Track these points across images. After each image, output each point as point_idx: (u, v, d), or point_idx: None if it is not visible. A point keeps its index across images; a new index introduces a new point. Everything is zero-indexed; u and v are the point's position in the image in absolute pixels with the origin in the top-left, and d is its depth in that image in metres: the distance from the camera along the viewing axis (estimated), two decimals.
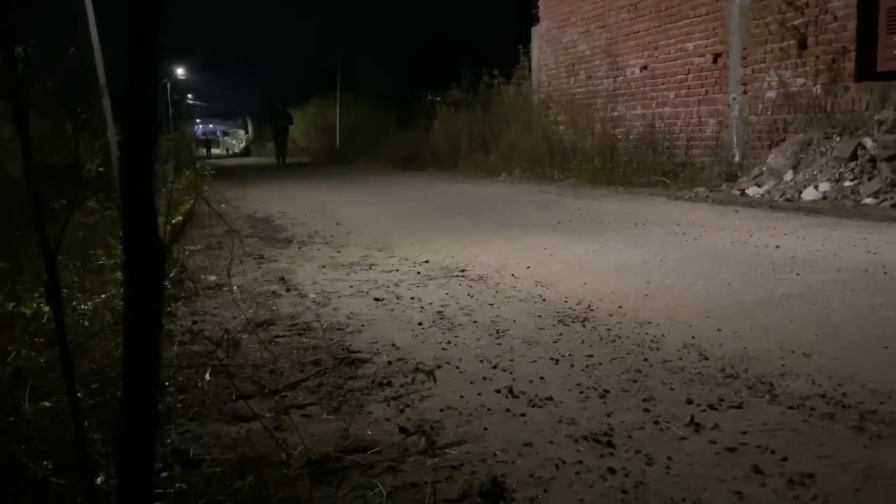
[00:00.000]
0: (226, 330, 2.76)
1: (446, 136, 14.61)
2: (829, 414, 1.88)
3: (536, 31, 13.30)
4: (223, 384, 2.17)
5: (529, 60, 13.45)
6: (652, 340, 2.58)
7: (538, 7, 13.17)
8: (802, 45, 7.69)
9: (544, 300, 3.28)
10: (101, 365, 2.37)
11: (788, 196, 6.75)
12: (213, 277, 3.85)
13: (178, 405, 2.02)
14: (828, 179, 6.57)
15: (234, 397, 2.06)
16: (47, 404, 1.86)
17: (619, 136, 10.59)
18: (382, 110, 20.91)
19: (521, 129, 12.46)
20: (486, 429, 1.87)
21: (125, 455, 0.51)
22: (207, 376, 2.22)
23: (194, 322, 3.01)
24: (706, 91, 9.15)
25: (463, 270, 4.04)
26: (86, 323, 2.85)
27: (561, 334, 2.72)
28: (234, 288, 3.63)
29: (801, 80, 7.73)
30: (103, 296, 3.14)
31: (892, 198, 5.91)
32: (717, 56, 8.92)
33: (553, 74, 12.74)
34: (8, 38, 1.15)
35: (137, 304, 0.49)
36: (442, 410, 2.00)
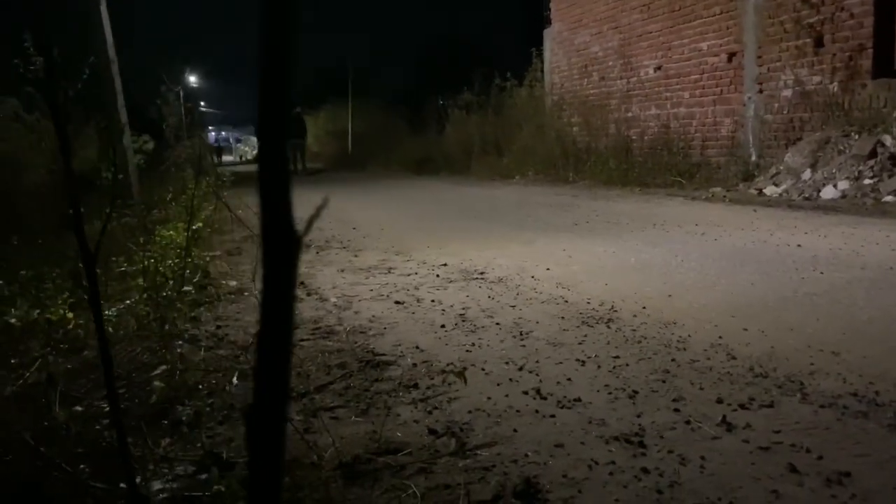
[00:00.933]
0: (254, 335, 2.76)
1: (459, 140, 14.62)
2: (863, 412, 1.86)
3: (548, 33, 13.29)
4: (251, 387, 2.17)
5: (542, 62, 13.45)
6: (678, 340, 2.57)
7: (550, 9, 13.16)
8: (818, 42, 7.64)
9: (566, 301, 3.27)
10: (127, 370, 2.38)
11: (807, 195, 6.70)
12: (234, 282, 3.86)
13: (208, 408, 2.02)
14: (847, 178, 6.52)
15: None
16: (79, 409, 1.87)
17: (634, 137, 10.56)
18: (394, 114, 20.92)
19: (534, 132, 12.45)
20: (515, 430, 1.87)
21: (257, 444, 0.52)
22: (235, 380, 2.23)
23: (218, 327, 3.02)
24: (721, 91, 9.10)
25: (482, 273, 4.03)
26: (110, 329, 2.87)
27: (585, 335, 2.71)
28: (256, 292, 3.64)
29: (817, 79, 7.68)
30: (127, 302, 3.16)
31: None
32: (731, 55, 8.88)
33: (566, 76, 12.72)
34: (47, 46, 1.16)
35: (274, 291, 0.50)
36: (470, 412, 2.00)
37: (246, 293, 3.62)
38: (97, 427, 1.77)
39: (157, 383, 2.17)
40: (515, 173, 11.85)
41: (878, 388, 2.02)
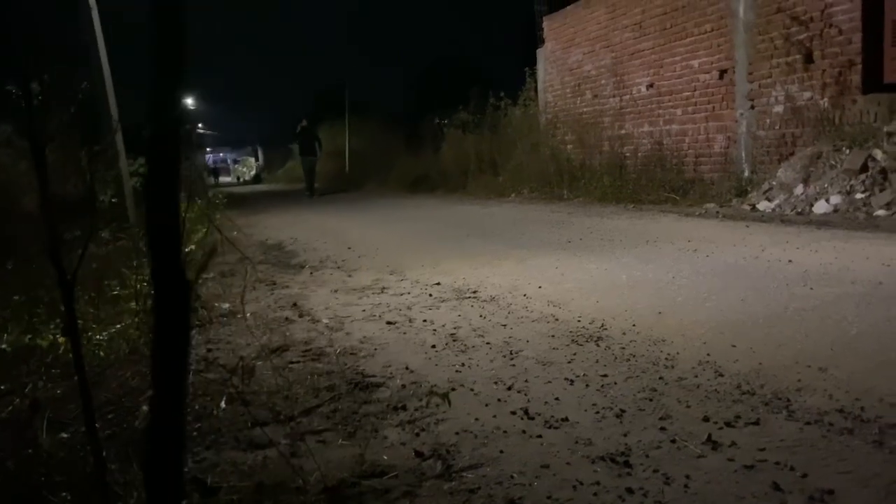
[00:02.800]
0: (241, 357, 2.77)
1: (454, 158, 14.67)
2: (848, 429, 1.86)
3: (542, 53, 13.39)
4: (239, 411, 2.18)
5: (535, 81, 13.53)
6: (667, 358, 2.57)
7: (543, 29, 13.27)
8: (808, 58, 7.70)
9: (557, 320, 3.28)
10: (117, 395, 2.38)
11: (799, 210, 6.73)
12: (226, 305, 3.87)
13: (195, 433, 2.02)
14: (839, 192, 6.55)
15: (249, 424, 2.07)
16: (65, 435, 1.87)
17: (628, 154, 10.60)
18: (391, 134, 20.98)
19: (529, 150, 12.49)
20: (502, 451, 1.87)
21: (154, 484, 0.52)
22: (223, 404, 2.23)
23: (209, 350, 3.02)
24: (713, 107, 9.16)
25: (475, 292, 4.04)
26: (101, 353, 2.87)
27: (575, 354, 2.71)
28: (248, 315, 3.65)
29: (808, 94, 7.73)
30: (118, 326, 3.16)
31: None
32: (723, 72, 8.95)
33: (559, 95, 12.80)
34: (24, 74, 1.18)
35: (165, 334, 0.51)
36: (457, 433, 2.00)
37: (238, 315, 3.62)
38: (82, 454, 1.77)
39: (145, 408, 2.17)
40: (511, 191, 11.89)
41: (863, 404, 2.02)
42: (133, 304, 3.41)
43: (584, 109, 11.96)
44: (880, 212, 6.01)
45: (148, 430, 0.51)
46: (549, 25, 13.07)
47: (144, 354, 2.74)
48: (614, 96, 11.16)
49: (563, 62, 12.61)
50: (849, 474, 1.62)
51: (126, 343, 2.93)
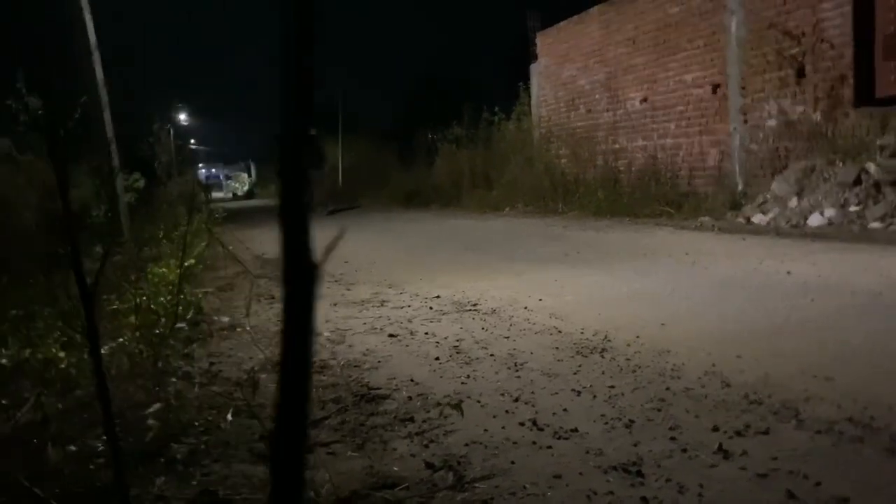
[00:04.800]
0: (251, 369, 2.75)
1: (448, 173, 14.72)
2: (859, 437, 1.86)
3: (535, 68, 13.48)
4: (245, 424, 2.16)
5: (529, 96, 13.61)
6: (672, 369, 2.58)
7: (536, 44, 13.36)
8: (800, 73, 7.77)
9: (560, 332, 3.27)
10: (120, 408, 2.36)
11: (794, 222, 6.77)
12: (226, 318, 3.85)
13: (203, 446, 2.01)
14: (833, 205, 6.60)
15: (258, 437, 2.05)
16: (73, 448, 1.85)
17: (622, 169, 10.66)
18: (384, 149, 21.00)
19: (523, 164, 12.55)
20: (513, 462, 1.86)
21: (279, 463, 0.53)
22: (230, 416, 2.22)
23: (211, 363, 3.01)
24: (707, 121, 9.23)
25: (475, 304, 4.04)
26: (102, 368, 2.85)
27: (580, 366, 2.71)
28: (248, 328, 3.63)
29: (800, 108, 7.80)
30: (119, 340, 3.14)
31: None
32: (716, 87, 9.02)
33: (553, 109, 12.87)
34: (47, 88, 1.18)
35: (295, 318, 0.52)
36: (467, 445, 1.99)
37: (239, 329, 3.60)
38: (91, 467, 1.75)
39: (151, 421, 2.16)
40: (505, 205, 11.92)
41: (872, 412, 2.02)
42: (133, 318, 3.39)
43: (578, 124, 12.02)
44: (875, 224, 6.05)
45: (275, 424, 0.52)
46: (543, 41, 13.17)
47: (146, 368, 2.72)
48: (608, 111, 11.23)
49: (557, 77, 12.69)
50: (862, 482, 1.62)
51: (127, 357, 2.91)
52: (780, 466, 1.72)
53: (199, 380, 2.67)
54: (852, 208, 6.41)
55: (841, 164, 6.93)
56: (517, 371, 2.70)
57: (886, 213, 6.08)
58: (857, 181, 6.58)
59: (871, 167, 6.54)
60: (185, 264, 4.32)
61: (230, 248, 6.95)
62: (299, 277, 0.50)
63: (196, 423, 2.17)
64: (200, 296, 4.30)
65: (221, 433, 2.12)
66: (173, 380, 2.60)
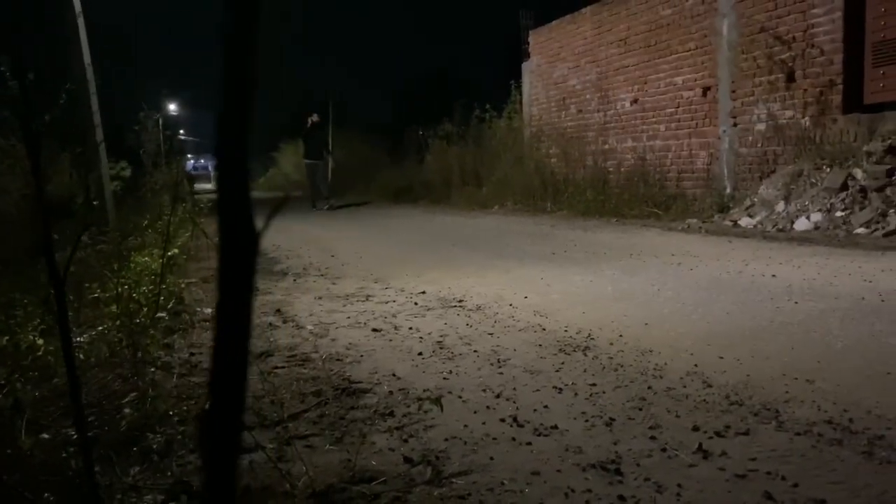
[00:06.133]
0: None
1: (439, 170, 14.68)
2: (837, 440, 1.86)
3: (527, 67, 13.47)
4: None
5: (520, 95, 13.60)
6: (654, 368, 2.57)
7: (528, 43, 13.35)
8: (790, 78, 7.81)
9: (544, 329, 3.27)
10: (97, 398, 2.33)
11: (781, 226, 6.80)
12: (208, 310, 3.82)
13: (179, 436, 1.98)
14: (819, 210, 6.63)
15: None
16: (46, 436, 1.82)
17: (611, 169, 10.67)
18: (374, 144, 20.91)
19: (513, 163, 12.54)
20: (492, 458, 1.85)
21: (212, 448, 0.51)
22: (207, 407, 2.19)
23: (192, 354, 2.98)
24: (696, 124, 9.25)
25: (460, 301, 4.03)
26: (81, 356, 2.81)
27: (563, 363, 2.70)
28: None
29: (789, 113, 7.84)
30: (99, 328, 3.11)
31: (883, 227, 5.95)
32: (706, 89, 9.05)
33: (544, 108, 12.87)
34: (21, 67, 1.15)
35: (231, 292, 0.50)
36: (446, 440, 1.98)
37: None
38: (64, 455, 1.72)
39: (127, 410, 2.13)
40: (494, 203, 11.91)
41: (852, 415, 2.03)
42: (114, 307, 3.36)
43: (569, 123, 12.03)
44: (860, 230, 6.08)
45: (208, 410, 0.50)
46: (535, 39, 13.16)
47: (125, 357, 2.69)
48: (599, 111, 11.24)
49: (549, 76, 12.69)
50: (840, 484, 1.62)
51: (107, 346, 2.88)
52: (758, 467, 1.72)
53: (178, 370, 2.64)
54: (838, 213, 6.45)
55: (828, 170, 6.97)
56: (500, 367, 2.69)
57: (872, 219, 6.12)
58: (844, 187, 6.62)
59: (858, 173, 6.58)
60: (168, 254, 4.28)
61: (215, 239, 6.91)
62: (238, 250, 0.49)
63: (172, 414, 2.14)
64: (183, 286, 4.26)
65: (198, 423, 2.09)
66: (152, 369, 2.58)
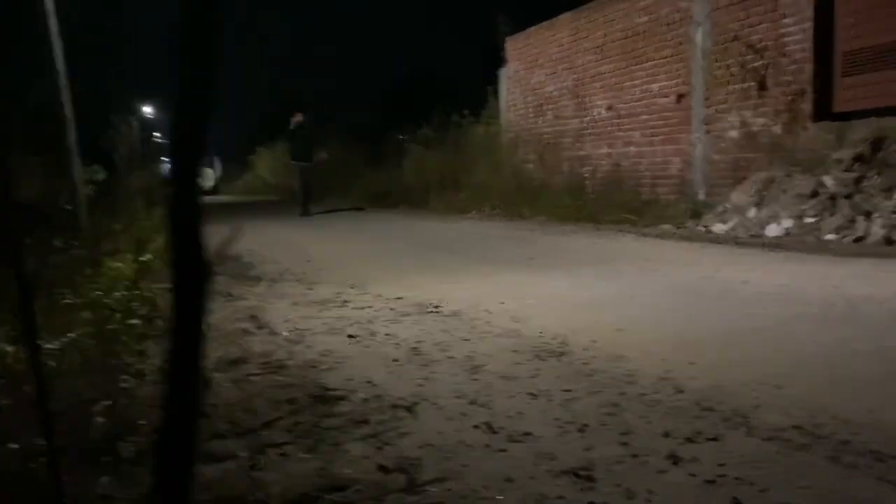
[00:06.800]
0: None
1: (417, 174, 14.70)
2: (805, 445, 1.90)
3: (504, 73, 13.54)
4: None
5: (498, 101, 13.66)
6: (627, 374, 2.60)
7: (506, 49, 13.42)
8: (762, 86, 7.93)
9: (520, 335, 3.29)
10: (68, 406, 2.31)
11: (753, 232, 6.90)
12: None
13: (150, 445, 1.97)
14: (790, 216, 6.73)
15: (208, 437, 2.02)
16: (15, 446, 1.80)
17: (587, 175, 10.76)
18: (352, 148, 20.85)
19: (491, 168, 12.59)
20: (466, 465, 1.86)
21: (165, 467, 0.51)
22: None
23: (165, 361, 2.95)
24: (670, 131, 9.36)
25: (437, 306, 4.03)
26: (53, 363, 2.78)
27: (538, 369, 2.72)
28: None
29: (761, 120, 7.96)
30: (71, 335, 3.07)
31: (852, 234, 6.07)
32: (680, 97, 9.16)
33: (521, 114, 12.94)
34: None
35: (184, 322, 0.50)
36: (421, 447, 1.99)
37: None
38: (32, 465, 1.70)
39: (99, 419, 2.11)
40: (472, 208, 11.94)
41: (819, 420, 2.06)
42: (87, 313, 3.32)
43: (546, 129, 12.11)
44: (830, 236, 6.19)
45: (162, 424, 0.51)
46: (513, 46, 13.23)
47: (97, 365, 2.67)
48: (575, 117, 11.33)
49: (526, 82, 12.77)
50: (807, 489, 1.65)
51: (79, 353, 2.85)
52: (727, 473, 1.74)
53: (150, 377, 2.62)
54: (809, 220, 6.55)
55: (799, 177, 7.08)
56: (475, 374, 2.70)
57: (841, 226, 6.23)
58: (814, 194, 6.73)
59: (828, 180, 6.70)
60: (142, 259, 4.25)
61: None
62: (189, 278, 0.49)
63: (144, 422, 2.12)
64: (157, 292, 4.22)
65: None
66: (124, 377, 2.55)
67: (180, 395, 0.50)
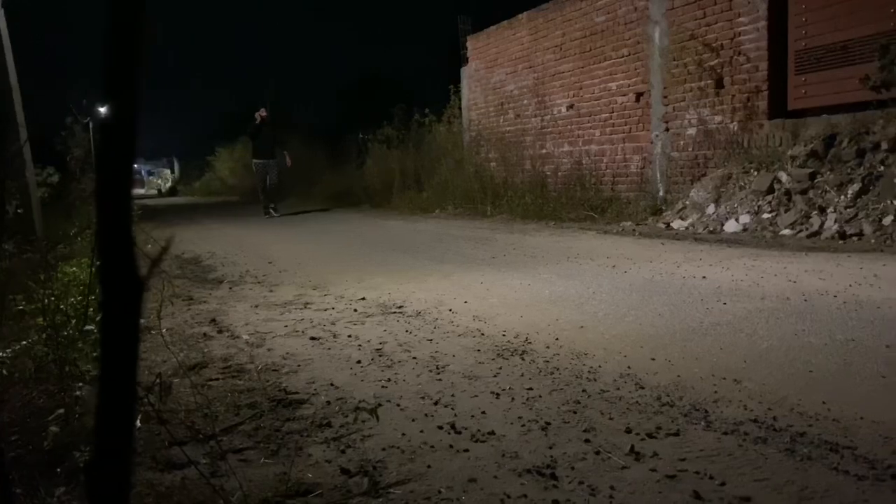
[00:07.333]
0: (158, 374, 2.66)
1: (379, 174, 14.63)
2: (762, 438, 1.93)
3: (466, 71, 13.56)
4: (155, 430, 2.09)
5: (459, 99, 13.68)
6: (589, 371, 2.62)
7: (467, 48, 13.45)
8: (719, 84, 8.07)
9: (482, 334, 3.29)
10: (21, 416, 2.25)
11: (711, 228, 7.01)
12: (140, 321, 3.71)
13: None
14: (747, 212, 6.86)
15: (167, 443, 1.98)
16: None
17: (549, 173, 10.83)
18: (314, 147, 20.68)
19: (453, 167, 12.60)
20: (429, 466, 1.85)
21: (98, 491, 0.50)
22: (138, 423, 2.13)
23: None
24: (630, 129, 9.47)
25: (400, 307, 4.02)
26: (4, 372, 2.70)
27: (500, 368, 2.73)
28: (164, 330, 3.51)
29: (718, 118, 8.09)
30: (23, 343, 2.99)
31: (807, 228, 6.20)
32: (639, 95, 9.27)
33: (483, 113, 12.98)
34: None
35: (115, 340, 0.48)
36: (384, 449, 1.98)
37: (153, 331, 3.48)
38: None
39: (52, 428, 2.06)
40: (435, 207, 11.94)
41: (776, 413, 2.11)
42: (40, 319, 3.24)
43: (507, 128, 12.16)
44: (785, 231, 6.32)
45: (95, 441, 0.49)
46: (473, 44, 13.26)
47: (52, 373, 2.60)
48: (536, 116, 11.40)
49: (487, 81, 12.80)
50: (764, 482, 1.68)
51: (32, 361, 2.77)
52: (688, 467, 1.77)
53: None
54: (765, 215, 6.69)
55: (755, 173, 7.22)
56: (438, 374, 2.70)
57: (796, 221, 6.37)
58: (770, 189, 6.87)
59: (783, 176, 6.84)
60: (98, 263, 4.15)
61: (148, 246, 6.73)
62: (120, 293, 0.47)
63: None
64: None
65: None
66: (79, 384, 2.49)
67: (112, 422, 0.49)
